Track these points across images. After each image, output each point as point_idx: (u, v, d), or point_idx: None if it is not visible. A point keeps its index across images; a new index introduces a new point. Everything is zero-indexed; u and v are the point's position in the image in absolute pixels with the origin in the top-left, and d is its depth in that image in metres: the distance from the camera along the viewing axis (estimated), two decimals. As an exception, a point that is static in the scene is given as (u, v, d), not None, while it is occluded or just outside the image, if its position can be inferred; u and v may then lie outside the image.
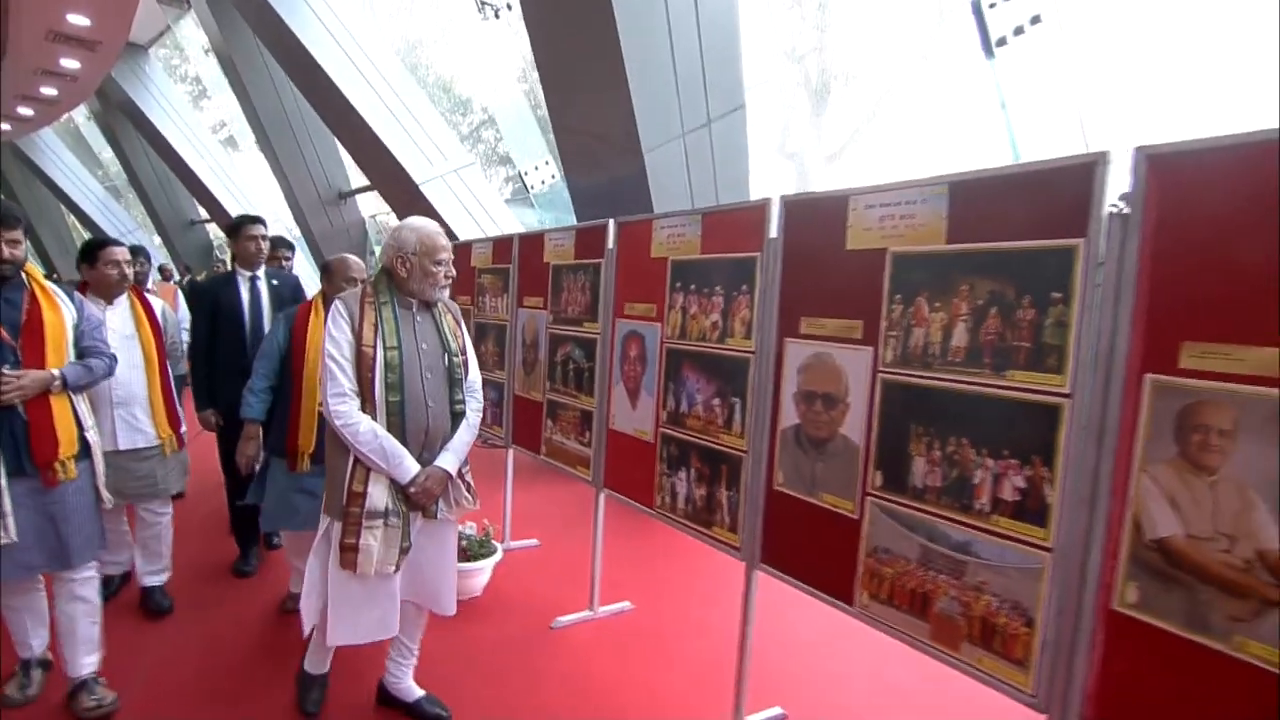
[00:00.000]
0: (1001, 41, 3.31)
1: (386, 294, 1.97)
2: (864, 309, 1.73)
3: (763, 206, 2.03)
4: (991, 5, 3.27)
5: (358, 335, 1.89)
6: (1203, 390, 1.17)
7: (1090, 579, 1.32)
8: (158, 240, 16.33)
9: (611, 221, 2.74)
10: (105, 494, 2.24)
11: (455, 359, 2.04)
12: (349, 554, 1.86)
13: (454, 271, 2.03)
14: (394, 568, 1.91)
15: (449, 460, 1.99)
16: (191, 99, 15.44)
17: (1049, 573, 1.38)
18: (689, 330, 2.31)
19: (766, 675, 2.48)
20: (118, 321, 2.61)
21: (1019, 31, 3.23)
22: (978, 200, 1.51)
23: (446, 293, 2.06)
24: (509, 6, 6.05)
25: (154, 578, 2.90)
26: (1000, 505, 1.46)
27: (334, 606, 1.95)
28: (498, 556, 3.10)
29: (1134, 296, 1.26)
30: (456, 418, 2.05)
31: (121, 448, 2.62)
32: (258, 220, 3.22)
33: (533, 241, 3.30)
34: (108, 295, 2.62)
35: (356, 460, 1.88)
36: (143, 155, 14.20)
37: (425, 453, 1.97)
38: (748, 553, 2.08)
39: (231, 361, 3.04)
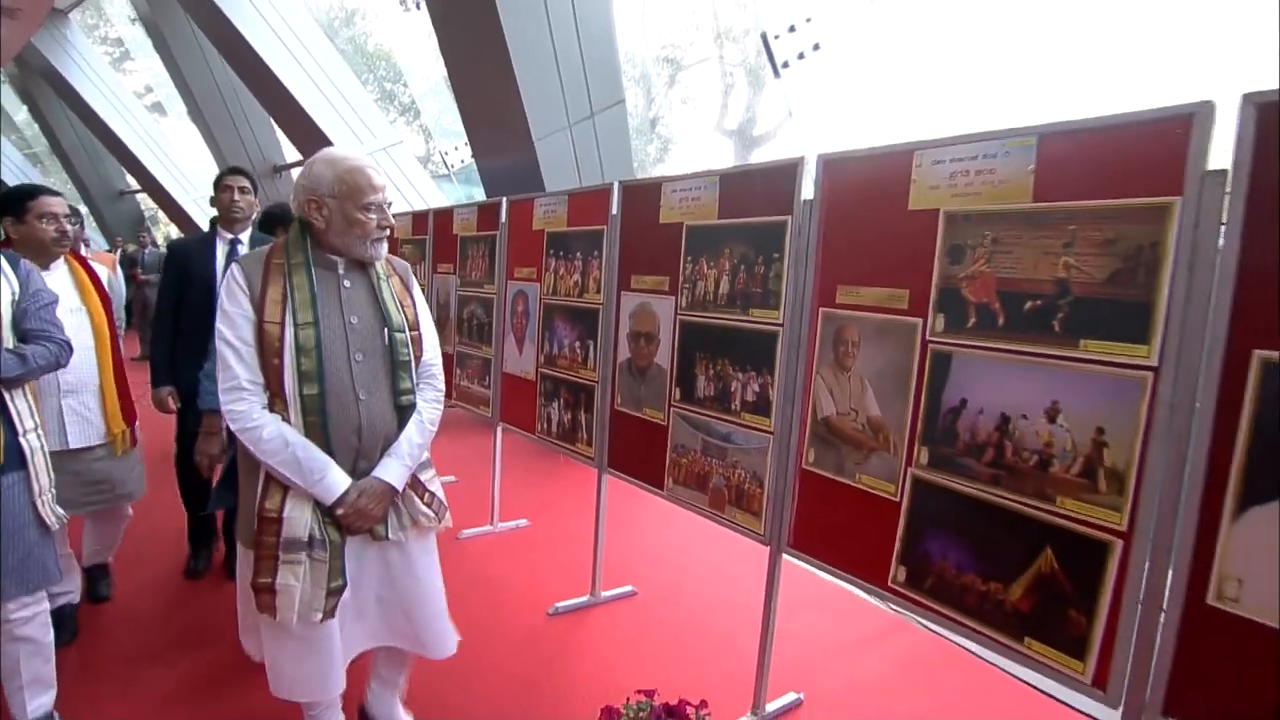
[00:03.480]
0: (785, 64, 3.95)
1: (300, 253, 1.49)
2: (669, 268, 2.31)
3: (607, 190, 2.58)
4: (776, 37, 3.91)
5: (259, 309, 1.45)
6: (845, 317, 1.78)
7: (792, 450, 1.94)
8: (85, 210, 15.89)
9: (504, 199, 3.25)
10: (49, 513, 1.79)
11: (399, 335, 1.56)
12: (264, 596, 1.45)
13: (390, 218, 1.57)
14: (322, 614, 1.47)
15: (392, 469, 1.54)
16: (113, 61, 14.95)
17: (771, 448, 2.00)
18: (559, 288, 2.86)
19: (624, 567, 3.09)
20: (57, 292, 2.11)
21: (801, 56, 3.87)
22: (736, 187, 2.10)
23: (384, 247, 1.58)
24: (418, 6, 6.41)
25: (101, 555, 2.64)
26: (746, 405, 2.07)
27: (269, 652, 1.59)
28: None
29: (816, 256, 1.86)
30: (404, 412, 1.59)
31: (73, 445, 2.20)
32: (236, 171, 2.75)
33: (444, 215, 3.79)
34: (42, 259, 2.16)
35: (268, 475, 1.47)
36: (65, 121, 13.82)
37: (361, 461, 1.53)
38: (598, 460, 2.67)
39: (196, 337, 2.56)
